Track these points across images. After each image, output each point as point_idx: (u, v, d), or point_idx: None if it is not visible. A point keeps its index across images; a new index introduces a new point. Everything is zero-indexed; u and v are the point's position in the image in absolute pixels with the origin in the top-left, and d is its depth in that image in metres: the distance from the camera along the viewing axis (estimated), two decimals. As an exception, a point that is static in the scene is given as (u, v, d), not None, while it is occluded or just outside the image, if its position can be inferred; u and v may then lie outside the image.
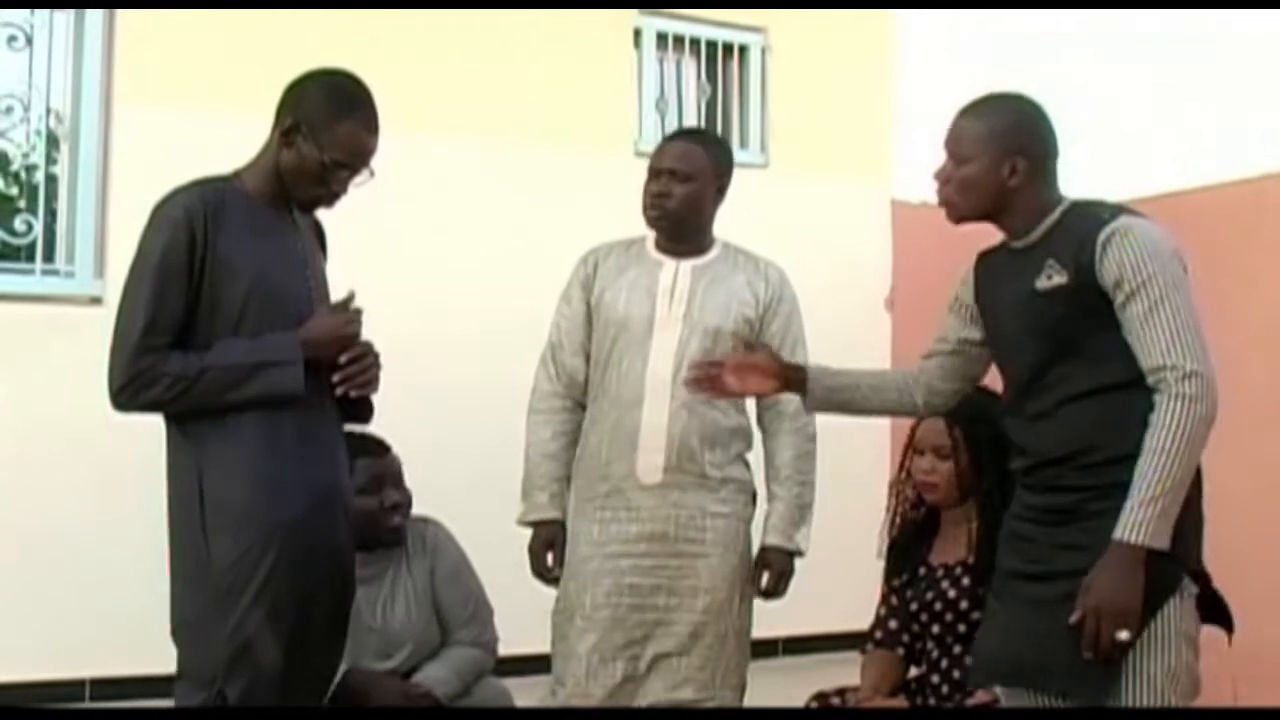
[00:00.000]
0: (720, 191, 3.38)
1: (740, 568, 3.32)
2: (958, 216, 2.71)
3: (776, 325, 3.36)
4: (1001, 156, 2.59)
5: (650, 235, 3.41)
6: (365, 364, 2.84)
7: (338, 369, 2.80)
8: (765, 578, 3.33)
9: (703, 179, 3.30)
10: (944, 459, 3.33)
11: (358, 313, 2.85)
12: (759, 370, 2.92)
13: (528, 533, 3.41)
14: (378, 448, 3.65)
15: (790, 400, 3.32)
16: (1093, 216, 2.55)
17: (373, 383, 2.87)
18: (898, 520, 3.53)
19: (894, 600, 3.46)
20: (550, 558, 3.35)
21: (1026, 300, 2.59)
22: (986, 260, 2.81)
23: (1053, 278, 2.54)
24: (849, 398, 2.93)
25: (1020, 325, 2.63)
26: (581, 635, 3.25)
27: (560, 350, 3.41)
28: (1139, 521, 2.39)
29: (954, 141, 2.66)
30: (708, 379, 2.94)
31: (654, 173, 3.32)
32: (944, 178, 2.68)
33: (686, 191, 3.28)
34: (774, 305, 3.36)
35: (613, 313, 3.32)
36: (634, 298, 3.31)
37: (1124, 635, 2.40)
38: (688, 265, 3.34)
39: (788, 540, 3.33)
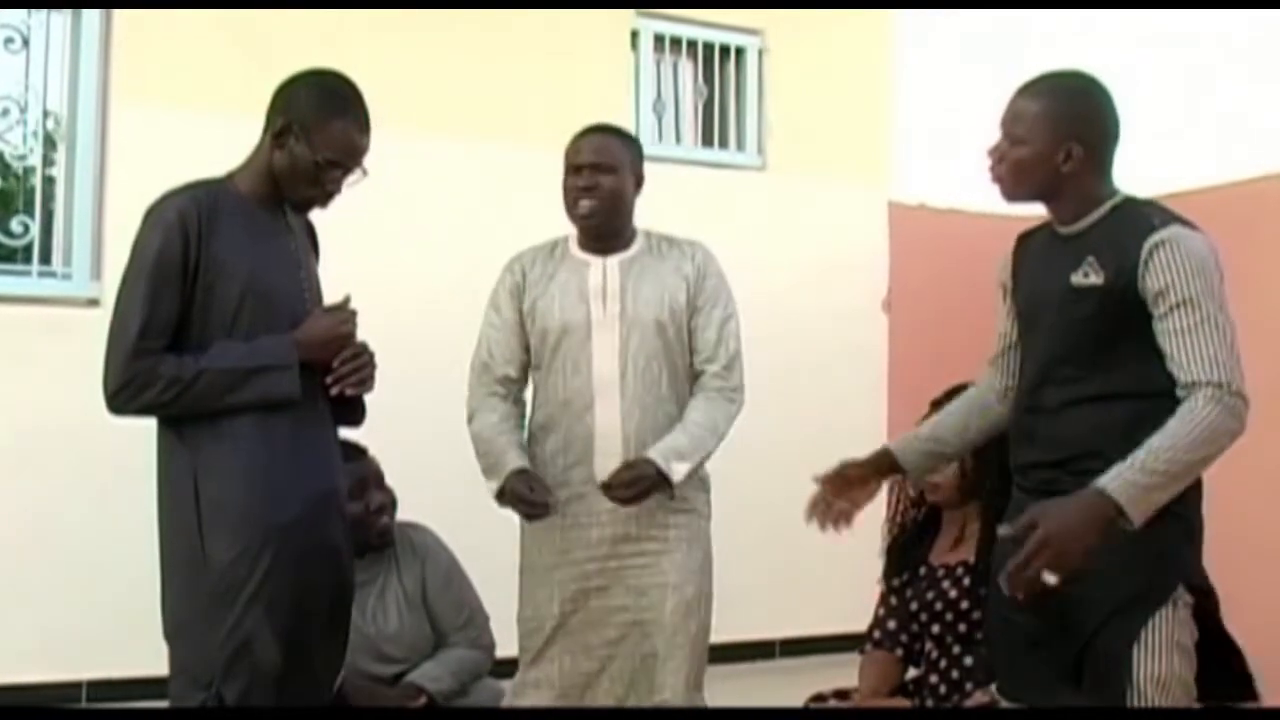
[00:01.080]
0: (638, 184, 3.36)
1: (705, 563, 3.27)
2: (1008, 197, 2.63)
3: (703, 299, 3.30)
4: (1058, 141, 2.52)
5: (572, 235, 3.39)
6: (360, 363, 2.83)
7: (332, 370, 2.80)
8: (620, 472, 3.12)
9: (623, 170, 3.29)
10: None
11: (352, 313, 2.85)
12: (855, 481, 2.83)
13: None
14: (354, 451, 3.63)
15: (715, 366, 3.27)
16: (1142, 220, 2.49)
17: (367, 382, 2.86)
18: (899, 519, 3.53)
19: (893, 600, 3.45)
20: (532, 491, 3.14)
21: (1058, 292, 2.55)
22: (1027, 241, 2.76)
23: (1089, 276, 2.50)
24: (938, 448, 2.87)
25: (1046, 315, 2.59)
26: (551, 641, 3.24)
27: (492, 361, 3.34)
28: (1127, 481, 2.30)
29: (1010, 121, 2.58)
30: (827, 516, 2.83)
31: (574, 169, 3.29)
32: (997, 156, 2.60)
33: (612, 183, 3.26)
34: (699, 281, 3.31)
35: (549, 320, 3.29)
36: (567, 303, 3.28)
37: (1052, 580, 2.28)
38: (614, 261, 3.31)
39: (663, 459, 3.13)
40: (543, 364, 3.31)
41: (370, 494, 3.70)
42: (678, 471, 3.14)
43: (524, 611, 3.31)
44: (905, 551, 3.47)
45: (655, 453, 3.16)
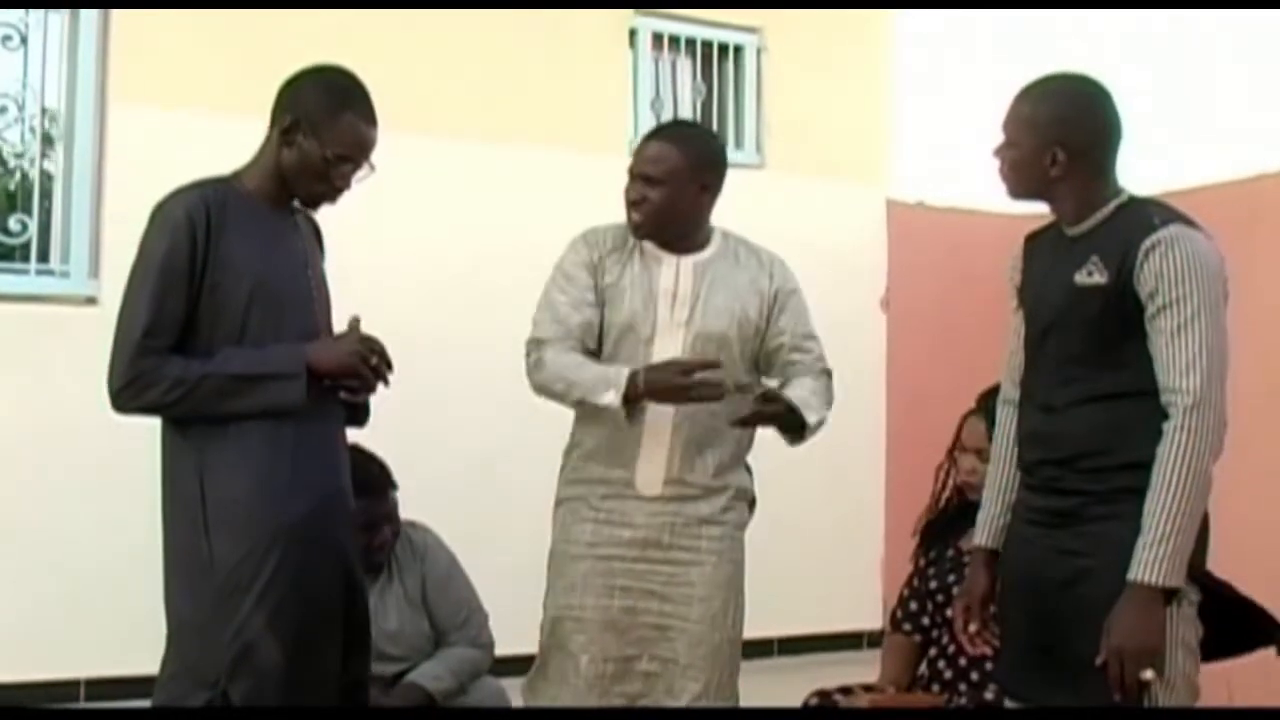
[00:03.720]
0: (705, 189, 3.21)
1: (734, 577, 3.20)
2: (1011, 195, 2.67)
3: (785, 320, 3.24)
4: (1042, 146, 2.55)
5: None
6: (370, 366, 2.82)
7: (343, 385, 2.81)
8: (765, 403, 3.07)
9: (675, 181, 3.14)
10: (985, 461, 3.33)
11: (367, 339, 2.82)
12: (976, 609, 2.77)
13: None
14: (378, 482, 3.62)
15: (807, 356, 3.23)
16: (1144, 219, 2.50)
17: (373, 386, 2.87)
18: (940, 500, 3.56)
19: (916, 582, 3.49)
20: (673, 364, 3.02)
21: (1064, 291, 2.56)
22: (1034, 241, 2.77)
23: (1093, 275, 2.51)
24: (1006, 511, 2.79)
25: (1052, 314, 2.60)
26: (570, 636, 3.16)
27: (564, 325, 3.16)
28: (1152, 560, 2.37)
29: (1006, 123, 2.63)
30: (980, 638, 2.82)
31: (630, 175, 3.19)
32: (999, 156, 2.64)
33: (659, 197, 3.13)
34: (779, 299, 3.24)
35: (614, 313, 3.18)
36: (635, 299, 3.18)
37: (1148, 675, 2.38)
38: (689, 262, 3.21)
39: (799, 402, 3.08)
40: (602, 357, 3.19)
41: (380, 531, 3.68)
42: (811, 414, 3.09)
43: (545, 599, 3.24)
44: (938, 531, 3.50)
45: (792, 395, 3.10)
